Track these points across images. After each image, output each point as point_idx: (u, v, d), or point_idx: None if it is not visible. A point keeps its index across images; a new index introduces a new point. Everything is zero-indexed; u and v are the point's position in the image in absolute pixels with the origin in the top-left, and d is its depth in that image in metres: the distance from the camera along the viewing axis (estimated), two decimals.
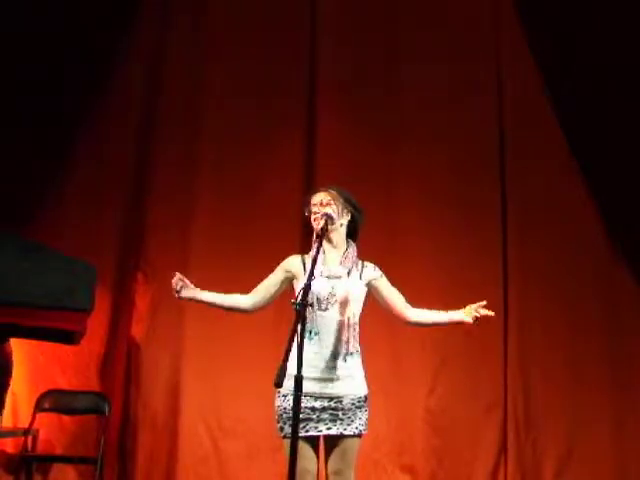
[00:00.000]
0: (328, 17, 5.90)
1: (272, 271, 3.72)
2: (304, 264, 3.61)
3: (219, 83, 5.86)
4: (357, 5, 5.96)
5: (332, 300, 3.49)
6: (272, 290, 3.70)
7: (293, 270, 3.63)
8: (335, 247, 3.62)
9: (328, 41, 5.88)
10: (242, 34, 5.91)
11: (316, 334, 3.46)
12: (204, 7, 5.96)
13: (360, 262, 3.65)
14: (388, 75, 5.90)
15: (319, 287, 3.45)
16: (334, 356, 3.46)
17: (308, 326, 3.37)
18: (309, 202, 3.65)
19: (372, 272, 3.65)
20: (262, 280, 3.73)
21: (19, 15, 5.55)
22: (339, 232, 3.63)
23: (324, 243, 3.56)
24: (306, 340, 3.32)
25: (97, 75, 5.69)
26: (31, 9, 5.57)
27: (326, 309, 3.49)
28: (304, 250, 3.76)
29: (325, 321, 3.48)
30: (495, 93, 5.87)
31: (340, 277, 3.53)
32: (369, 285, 3.64)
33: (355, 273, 3.59)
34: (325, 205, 3.59)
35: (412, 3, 5.96)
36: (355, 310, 3.54)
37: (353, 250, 3.65)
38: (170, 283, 3.68)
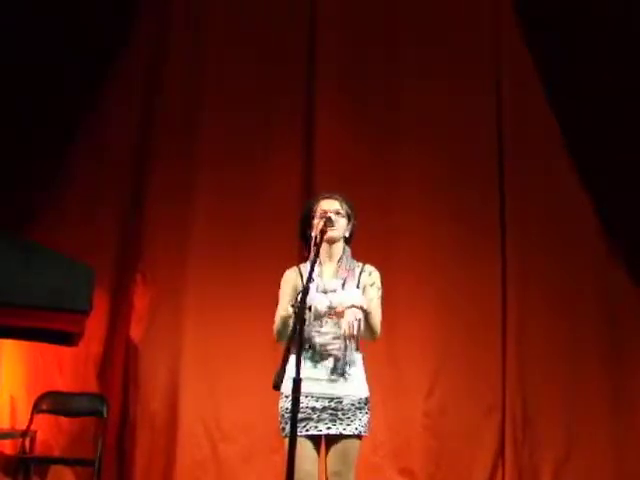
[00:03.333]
0: (328, 17, 5.88)
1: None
2: (301, 275, 3.57)
3: (219, 83, 5.84)
4: (357, 4, 5.94)
5: (331, 313, 3.45)
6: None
7: (292, 283, 3.59)
8: (332, 259, 3.59)
9: (328, 41, 5.86)
10: (242, 34, 5.90)
11: (314, 348, 3.43)
12: (204, 7, 5.95)
13: (359, 266, 3.62)
14: (388, 75, 5.88)
15: (317, 302, 3.42)
16: (334, 367, 3.44)
17: (306, 340, 3.37)
18: (315, 207, 3.60)
19: (366, 278, 3.59)
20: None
21: (19, 15, 5.54)
22: (339, 244, 3.61)
23: (321, 255, 3.50)
24: (305, 353, 3.34)
25: (97, 75, 5.67)
26: (31, 9, 5.56)
27: (326, 323, 3.45)
28: (302, 251, 3.73)
29: (324, 335, 3.45)
30: (494, 93, 5.86)
31: (335, 290, 3.49)
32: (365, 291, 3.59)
33: (352, 282, 3.54)
34: (337, 215, 3.56)
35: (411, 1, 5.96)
36: None
37: (347, 256, 3.62)
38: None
